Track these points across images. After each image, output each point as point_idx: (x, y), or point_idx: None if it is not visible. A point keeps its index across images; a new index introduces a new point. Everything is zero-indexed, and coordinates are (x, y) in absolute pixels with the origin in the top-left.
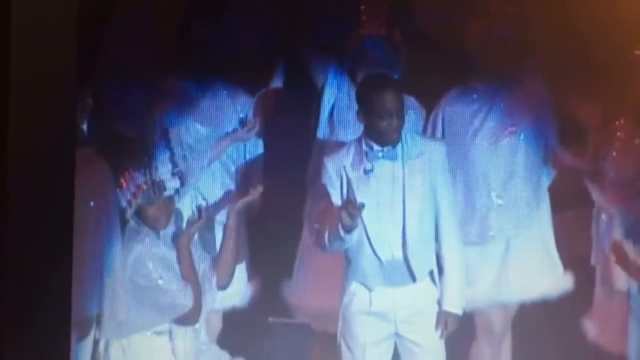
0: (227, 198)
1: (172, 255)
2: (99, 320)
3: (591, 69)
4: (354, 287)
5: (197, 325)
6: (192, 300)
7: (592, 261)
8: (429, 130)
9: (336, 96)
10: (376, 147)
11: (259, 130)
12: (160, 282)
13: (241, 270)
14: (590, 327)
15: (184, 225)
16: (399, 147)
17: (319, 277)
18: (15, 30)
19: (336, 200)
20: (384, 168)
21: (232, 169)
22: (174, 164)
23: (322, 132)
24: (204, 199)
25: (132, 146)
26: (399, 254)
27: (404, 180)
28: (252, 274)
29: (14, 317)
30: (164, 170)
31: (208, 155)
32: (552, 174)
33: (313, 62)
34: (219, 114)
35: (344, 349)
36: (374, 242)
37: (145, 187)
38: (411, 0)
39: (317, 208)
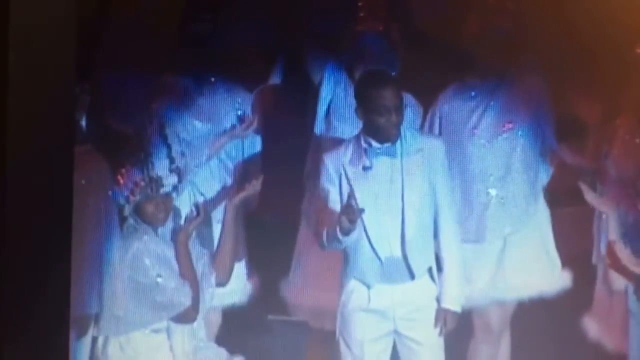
0: (225, 194)
1: (170, 252)
2: (97, 318)
3: (590, 66)
4: (353, 284)
5: (195, 323)
6: (190, 299)
7: (594, 259)
8: (426, 127)
9: (333, 92)
10: (375, 144)
11: (257, 127)
12: (159, 280)
13: (240, 268)
14: (591, 326)
15: (182, 222)
16: (397, 143)
17: (317, 274)
18: (13, 27)
19: (335, 197)
20: (383, 165)
21: (230, 165)
22: (172, 161)
23: (319, 128)
24: (202, 195)
25: (130, 143)
26: (397, 251)
27: (402, 177)
28: (250, 272)
29: (12, 315)
30: (161, 166)
31: (206, 151)
32: (550, 171)
33: (310, 59)
34: (217, 111)
35: (342, 346)
36: (373, 239)
37: (143, 184)
38: None
39: (315, 206)
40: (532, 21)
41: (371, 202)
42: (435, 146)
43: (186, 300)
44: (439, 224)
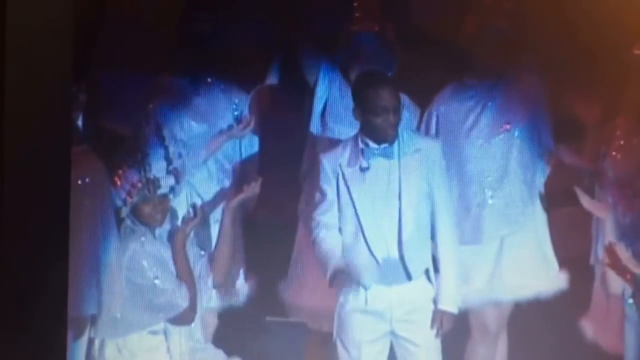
0: (223, 195)
1: (167, 254)
2: (94, 319)
3: (588, 66)
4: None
5: (192, 325)
6: (188, 300)
7: (591, 261)
8: (423, 128)
9: (329, 93)
10: (372, 145)
11: (254, 127)
12: (156, 281)
13: (237, 269)
14: (589, 327)
15: (180, 223)
16: (395, 144)
17: (314, 276)
18: (10, 27)
19: (332, 197)
20: (380, 165)
21: (228, 166)
22: (169, 162)
23: (315, 128)
24: (199, 196)
25: (126, 144)
26: (394, 252)
27: (400, 177)
28: (247, 273)
29: (9, 317)
30: (158, 168)
31: (203, 152)
32: (547, 171)
33: (305, 59)
34: (214, 111)
35: (339, 347)
36: (370, 241)
37: (140, 185)
38: None
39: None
40: (530, 21)
41: (368, 203)
42: (432, 147)
43: (183, 302)
44: (436, 225)
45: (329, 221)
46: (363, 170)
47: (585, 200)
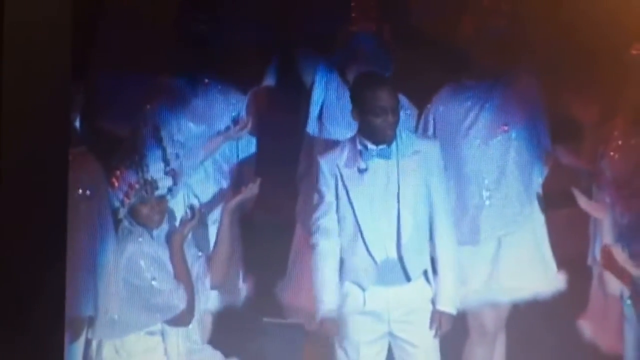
0: (220, 196)
1: (165, 255)
2: (91, 320)
3: (586, 67)
4: (348, 286)
5: (190, 326)
6: (185, 301)
7: (589, 261)
8: (421, 129)
9: (325, 94)
10: (371, 146)
11: (251, 128)
12: (153, 282)
13: (235, 270)
14: (587, 327)
15: (177, 224)
16: (393, 145)
17: (312, 277)
18: (8, 27)
19: (330, 199)
20: (379, 167)
21: (225, 167)
22: (166, 163)
23: (311, 129)
24: (197, 197)
25: (124, 145)
26: (393, 253)
27: (398, 179)
28: (245, 274)
29: (7, 318)
30: (156, 169)
31: (200, 153)
32: (545, 172)
33: (302, 60)
34: (211, 112)
35: (337, 349)
36: (368, 242)
37: (137, 186)
38: None
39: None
40: (527, 22)
41: (366, 204)
42: (431, 148)
43: (181, 303)
44: (435, 226)
45: (329, 225)
46: (361, 171)
47: (582, 201)
